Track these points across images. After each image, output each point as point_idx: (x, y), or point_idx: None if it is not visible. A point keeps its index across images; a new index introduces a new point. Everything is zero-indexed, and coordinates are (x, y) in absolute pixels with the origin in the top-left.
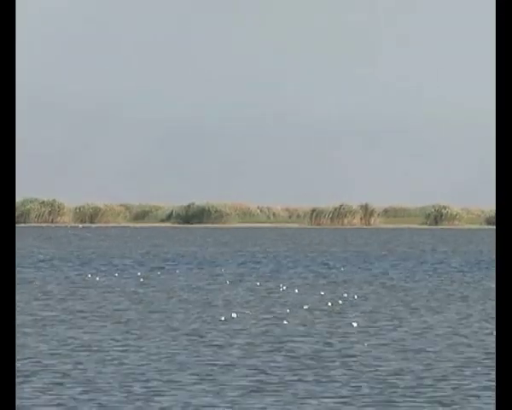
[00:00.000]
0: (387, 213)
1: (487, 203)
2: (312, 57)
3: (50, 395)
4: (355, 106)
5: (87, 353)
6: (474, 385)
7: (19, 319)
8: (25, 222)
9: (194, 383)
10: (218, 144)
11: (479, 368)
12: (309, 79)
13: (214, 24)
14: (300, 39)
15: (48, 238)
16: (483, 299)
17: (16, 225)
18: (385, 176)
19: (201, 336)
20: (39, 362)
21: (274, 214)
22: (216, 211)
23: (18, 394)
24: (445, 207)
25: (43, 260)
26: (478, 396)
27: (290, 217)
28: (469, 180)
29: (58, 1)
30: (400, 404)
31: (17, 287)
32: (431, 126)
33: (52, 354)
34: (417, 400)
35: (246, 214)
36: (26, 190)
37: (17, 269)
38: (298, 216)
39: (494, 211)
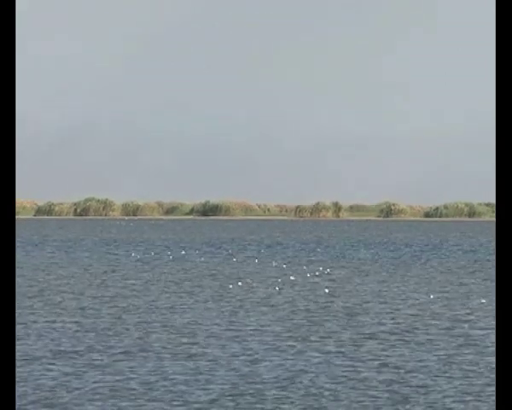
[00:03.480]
0: (352, 208)
1: (425, 201)
2: (313, 82)
3: None
4: (333, 127)
5: None
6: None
7: None
8: (86, 215)
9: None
10: (226, 156)
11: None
12: (299, 106)
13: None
14: (302, 65)
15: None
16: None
17: (83, 217)
18: (350, 181)
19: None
20: None
21: (268, 209)
22: (225, 207)
23: None
24: (394, 204)
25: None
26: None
27: (280, 211)
28: (412, 183)
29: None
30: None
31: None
32: (387, 143)
33: None
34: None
35: (247, 209)
36: (86, 191)
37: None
38: (286, 211)
39: (430, 207)
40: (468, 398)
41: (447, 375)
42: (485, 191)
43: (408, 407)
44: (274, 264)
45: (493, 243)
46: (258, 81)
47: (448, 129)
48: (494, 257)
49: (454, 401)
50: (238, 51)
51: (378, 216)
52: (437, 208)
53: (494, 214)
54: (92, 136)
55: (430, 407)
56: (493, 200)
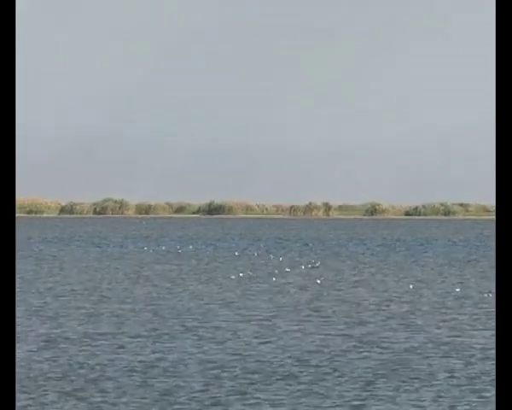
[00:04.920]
0: (341, 207)
1: (405, 201)
2: (312, 82)
3: None
4: (332, 129)
5: None
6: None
7: None
8: (104, 214)
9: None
10: (227, 157)
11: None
12: (300, 114)
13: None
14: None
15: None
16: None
17: (102, 216)
18: (339, 183)
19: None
20: None
21: (266, 209)
22: (228, 207)
23: None
24: (378, 204)
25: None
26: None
27: (277, 211)
28: (394, 185)
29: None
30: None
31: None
32: (380, 145)
33: None
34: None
35: (248, 209)
36: (104, 192)
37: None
38: (282, 210)
39: (410, 206)
40: (457, 375)
41: (436, 354)
42: (459, 192)
43: (398, 382)
44: (271, 257)
45: (466, 240)
46: (258, 81)
47: (441, 131)
48: (467, 252)
49: (444, 378)
50: (238, 51)
51: (364, 215)
52: (416, 208)
53: (467, 213)
54: (102, 139)
55: (418, 380)
56: (466, 200)
